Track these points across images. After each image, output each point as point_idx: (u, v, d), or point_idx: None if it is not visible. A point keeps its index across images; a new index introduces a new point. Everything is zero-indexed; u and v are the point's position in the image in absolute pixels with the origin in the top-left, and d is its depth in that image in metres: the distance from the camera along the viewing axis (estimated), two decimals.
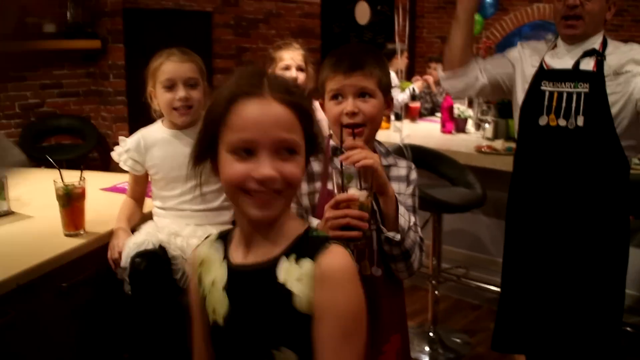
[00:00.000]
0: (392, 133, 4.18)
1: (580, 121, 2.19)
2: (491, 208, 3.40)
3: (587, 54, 2.23)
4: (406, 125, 4.33)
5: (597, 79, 2.19)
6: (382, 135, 3.90)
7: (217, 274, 1.14)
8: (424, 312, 3.56)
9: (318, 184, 1.67)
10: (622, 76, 2.15)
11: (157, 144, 2.23)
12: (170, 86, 2.13)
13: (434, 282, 3.38)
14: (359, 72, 1.59)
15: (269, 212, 1.05)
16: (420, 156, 3.37)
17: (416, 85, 5.77)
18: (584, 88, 2.19)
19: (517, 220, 2.47)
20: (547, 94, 2.27)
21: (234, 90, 1.06)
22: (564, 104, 2.22)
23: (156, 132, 2.26)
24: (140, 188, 2.34)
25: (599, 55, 2.21)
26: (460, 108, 4.50)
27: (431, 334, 3.36)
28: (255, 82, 1.06)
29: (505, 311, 2.54)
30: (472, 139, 4.07)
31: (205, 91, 2.19)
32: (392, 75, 6.08)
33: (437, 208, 3.18)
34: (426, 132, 4.47)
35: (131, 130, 5.27)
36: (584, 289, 2.28)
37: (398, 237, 1.59)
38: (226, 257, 1.14)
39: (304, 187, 1.67)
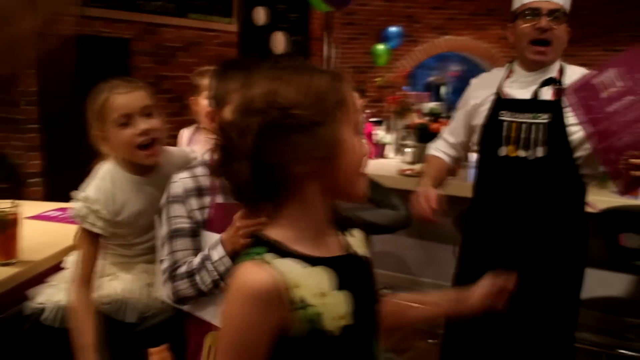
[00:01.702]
0: None
1: (540, 152, 2.15)
2: (414, 229, 3.51)
3: (546, 83, 2.20)
4: None
5: (556, 108, 2.15)
6: None
7: (319, 281, 1.09)
8: None
9: (207, 199, 1.74)
10: None
11: (126, 196, 1.93)
12: (126, 122, 1.83)
13: None
14: None
15: None
16: None
17: None
18: (543, 118, 2.15)
19: (473, 248, 2.46)
20: (505, 124, 2.23)
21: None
22: (523, 135, 2.18)
23: (121, 180, 1.93)
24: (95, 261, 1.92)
25: (558, 84, 2.18)
26: (380, 134, 4.64)
27: None
28: None
29: (453, 339, 2.55)
30: (393, 163, 4.20)
31: (162, 120, 1.93)
32: None
33: (366, 230, 3.25)
34: None
35: (48, 160, 5.13)
36: (540, 311, 2.26)
37: None
38: (310, 262, 1.09)
39: (194, 203, 1.73)
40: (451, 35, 8.89)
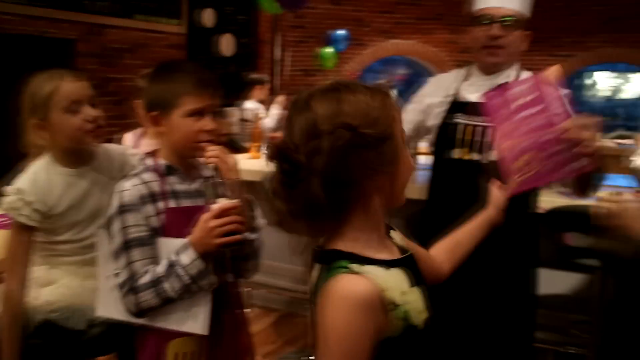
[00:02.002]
0: (263, 162, 4.23)
1: (493, 155, 2.12)
2: None
3: (500, 87, 2.11)
4: None
5: None
6: (253, 165, 3.93)
7: (399, 281, 1.15)
8: (303, 338, 3.61)
9: (160, 204, 1.73)
10: None
11: (60, 189, 1.90)
12: (76, 109, 1.85)
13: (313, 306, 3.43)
14: (217, 92, 1.77)
15: None
16: None
17: (280, 109, 5.91)
18: None
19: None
20: (460, 126, 2.22)
21: None
22: (477, 138, 2.19)
23: (55, 174, 1.91)
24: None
25: None
26: None
27: (312, 358, 3.40)
28: None
29: None
30: None
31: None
32: (258, 105, 6.18)
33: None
34: None
35: None
36: (496, 312, 2.26)
37: (253, 235, 1.81)
38: (386, 265, 1.15)
39: (150, 209, 1.71)
40: (398, 39, 8.99)
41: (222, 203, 1.66)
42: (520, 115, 1.84)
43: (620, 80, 11.82)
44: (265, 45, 8.00)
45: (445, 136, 2.27)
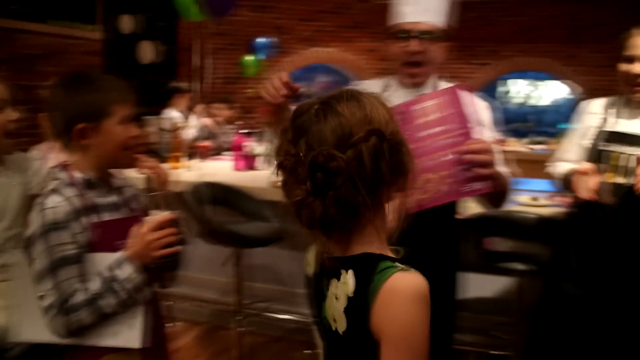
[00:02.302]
0: (186, 172, 4.16)
1: None
2: (289, 241, 3.50)
3: None
4: (197, 164, 4.34)
5: None
6: (175, 175, 3.85)
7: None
8: (228, 351, 3.55)
9: (85, 219, 1.68)
10: None
11: None
12: (3, 107, 1.92)
13: (238, 318, 3.39)
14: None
15: None
16: (219, 194, 3.39)
17: (200, 123, 5.84)
18: None
19: None
20: None
21: None
22: None
23: None
24: None
25: None
26: (251, 145, 4.61)
27: None
28: None
29: None
30: (264, 175, 4.17)
31: None
32: (179, 114, 6.07)
33: (240, 243, 3.21)
34: (218, 169, 4.51)
35: None
36: None
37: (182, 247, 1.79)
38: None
39: (76, 226, 1.66)
40: (320, 47, 9.05)
41: (159, 215, 1.67)
42: (425, 133, 1.84)
43: (531, 88, 12.28)
44: (187, 52, 7.88)
45: None
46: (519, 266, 2.84)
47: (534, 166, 4.99)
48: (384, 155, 1.13)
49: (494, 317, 3.38)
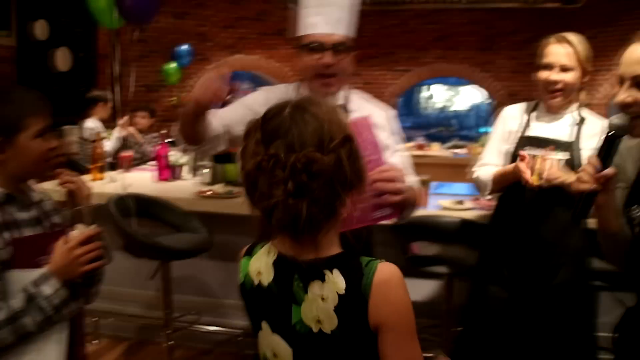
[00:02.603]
0: (109, 184, 4.04)
1: None
2: (216, 251, 3.45)
3: None
4: (120, 176, 4.22)
5: None
6: (97, 187, 3.75)
7: None
8: None
9: (6, 235, 1.62)
10: None
11: None
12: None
13: (167, 332, 3.31)
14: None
15: None
16: (143, 206, 3.31)
17: (121, 133, 5.70)
18: None
19: None
20: None
21: None
22: None
23: None
24: None
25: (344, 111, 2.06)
26: (175, 155, 4.52)
27: None
28: None
29: None
30: (190, 185, 4.10)
31: None
32: (98, 124, 5.89)
33: (166, 256, 3.14)
34: (142, 181, 4.39)
35: None
36: None
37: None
38: None
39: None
40: (242, 54, 9.00)
41: (83, 230, 1.65)
42: None
43: (451, 93, 12.59)
44: (106, 60, 7.68)
45: None
46: (444, 269, 2.90)
47: (456, 170, 5.13)
48: (354, 159, 1.19)
49: (422, 319, 3.43)
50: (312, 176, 1.13)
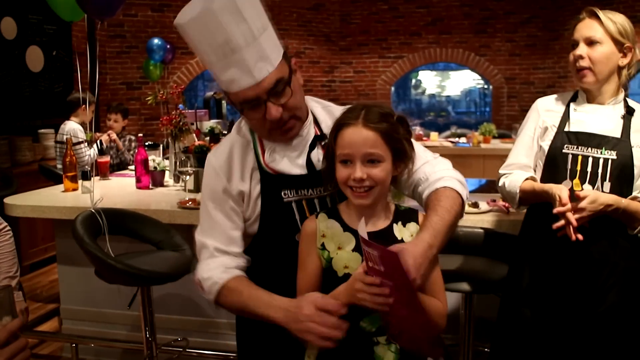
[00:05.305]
0: (82, 196, 3.65)
1: None
2: None
3: (313, 146, 1.71)
4: (97, 184, 3.82)
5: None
6: (69, 199, 3.36)
7: (342, 240, 1.57)
8: None
9: None
10: None
11: None
12: None
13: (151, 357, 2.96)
14: None
15: (363, 201, 1.52)
16: (118, 221, 2.93)
17: (102, 138, 5.32)
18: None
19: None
20: None
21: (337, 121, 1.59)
22: None
23: None
24: None
25: (323, 139, 1.71)
26: (156, 160, 4.13)
27: None
28: (352, 114, 1.55)
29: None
30: (173, 193, 3.73)
31: None
32: (79, 127, 5.48)
33: (142, 281, 2.74)
34: (120, 189, 4.01)
35: None
36: None
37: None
38: (347, 229, 1.57)
39: None
40: None
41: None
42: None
43: (445, 78, 12.31)
44: (81, 57, 7.24)
45: None
46: (466, 287, 2.50)
47: (459, 161, 4.76)
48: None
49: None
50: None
